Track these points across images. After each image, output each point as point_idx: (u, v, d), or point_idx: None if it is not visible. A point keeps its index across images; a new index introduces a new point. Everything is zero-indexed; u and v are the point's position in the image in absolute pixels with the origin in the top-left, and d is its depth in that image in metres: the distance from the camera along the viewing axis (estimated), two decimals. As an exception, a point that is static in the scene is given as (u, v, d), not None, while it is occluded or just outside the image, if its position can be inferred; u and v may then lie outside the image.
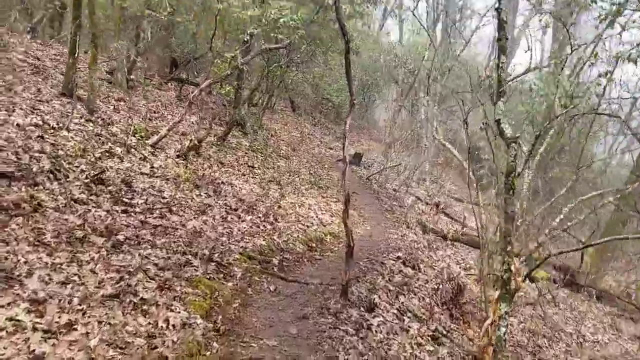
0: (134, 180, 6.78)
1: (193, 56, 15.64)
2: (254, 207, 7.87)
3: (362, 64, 28.60)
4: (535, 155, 10.28)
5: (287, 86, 20.38)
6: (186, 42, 16.01)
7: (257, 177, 10.99)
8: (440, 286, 6.52)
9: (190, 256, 5.06)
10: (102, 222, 5.01)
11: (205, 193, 7.76)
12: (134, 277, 4.12)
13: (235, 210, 7.45)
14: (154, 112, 12.13)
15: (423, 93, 18.77)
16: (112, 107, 10.35)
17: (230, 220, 6.83)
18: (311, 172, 14.28)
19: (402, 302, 5.59)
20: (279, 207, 8.65)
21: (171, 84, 15.86)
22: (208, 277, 4.72)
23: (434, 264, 8.38)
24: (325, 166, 16.18)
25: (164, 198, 6.66)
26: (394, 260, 7.19)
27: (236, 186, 9.10)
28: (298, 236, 7.28)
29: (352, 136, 26.48)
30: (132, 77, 14.32)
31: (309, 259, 6.71)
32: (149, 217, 5.81)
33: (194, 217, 6.41)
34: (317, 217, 8.96)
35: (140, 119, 10.61)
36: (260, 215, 7.59)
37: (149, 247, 4.94)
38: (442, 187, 19.04)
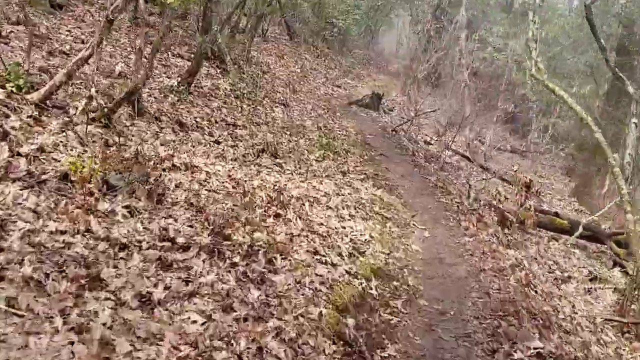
0: None
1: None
2: (226, 230, 3.90)
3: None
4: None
5: (282, 6, 15.77)
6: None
7: (240, 144, 6.93)
8: None
9: None
10: None
11: (124, 206, 3.75)
12: None
13: (184, 250, 3.47)
14: (81, 42, 7.84)
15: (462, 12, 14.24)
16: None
17: (166, 300, 2.86)
18: (319, 125, 10.17)
19: None
20: (277, 215, 4.69)
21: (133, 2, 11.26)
22: None
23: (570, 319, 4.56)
24: (337, 114, 12.01)
25: (-11, 253, 2.67)
26: (531, 362, 3.33)
27: (198, 171, 5.09)
28: (320, 312, 3.35)
29: (359, 69, 21.97)
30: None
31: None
32: None
33: (57, 314, 2.46)
34: (344, 229, 5.02)
35: (41, 55, 6.45)
36: (239, 255, 3.62)
37: None
38: (481, 135, 15.02)
